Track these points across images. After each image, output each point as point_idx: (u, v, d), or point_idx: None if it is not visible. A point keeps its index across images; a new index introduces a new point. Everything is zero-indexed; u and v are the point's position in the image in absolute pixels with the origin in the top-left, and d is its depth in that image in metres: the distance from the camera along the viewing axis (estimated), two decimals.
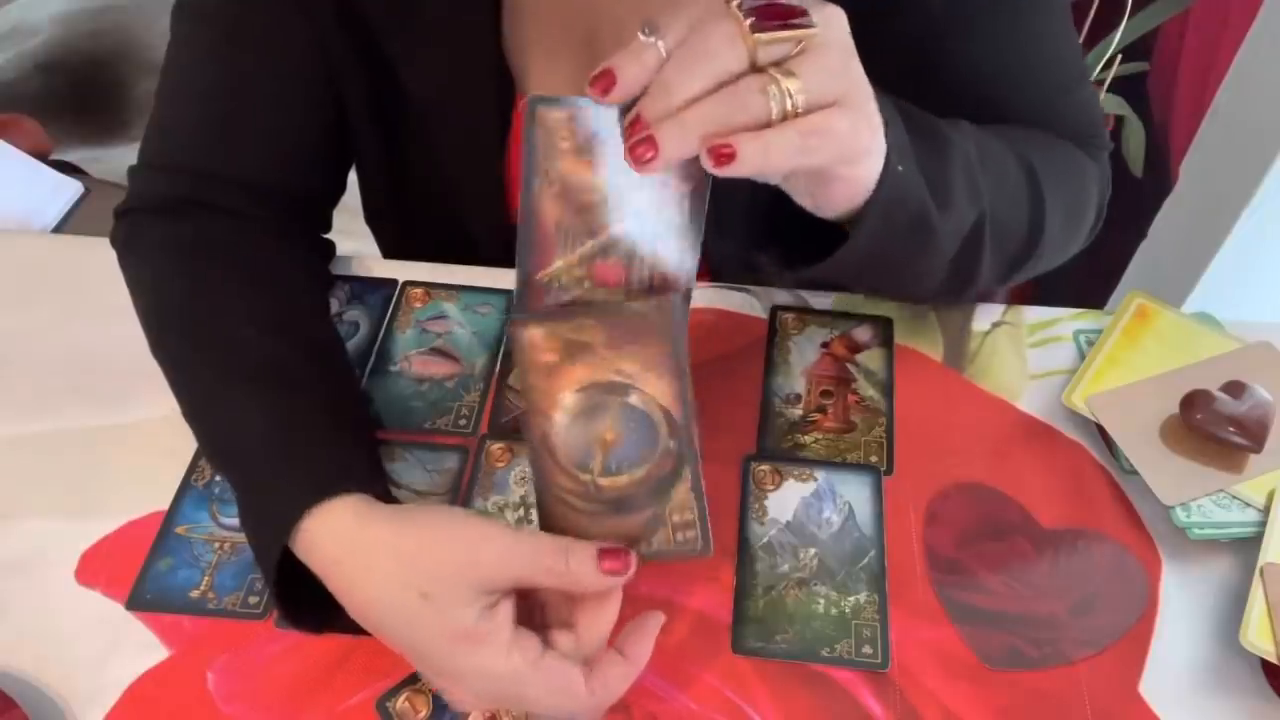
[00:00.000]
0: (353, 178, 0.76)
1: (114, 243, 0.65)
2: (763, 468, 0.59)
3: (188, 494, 0.59)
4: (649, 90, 0.40)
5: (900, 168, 0.46)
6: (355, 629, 0.47)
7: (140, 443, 0.62)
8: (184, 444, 0.61)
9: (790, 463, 0.59)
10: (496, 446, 0.61)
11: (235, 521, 0.58)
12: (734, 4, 0.40)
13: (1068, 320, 0.68)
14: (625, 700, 0.50)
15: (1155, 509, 0.57)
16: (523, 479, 0.59)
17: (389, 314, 0.68)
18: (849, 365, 0.65)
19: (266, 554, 0.47)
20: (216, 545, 0.57)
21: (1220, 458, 0.58)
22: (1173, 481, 0.57)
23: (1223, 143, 1.15)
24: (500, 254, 0.74)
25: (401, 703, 0.50)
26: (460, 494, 0.59)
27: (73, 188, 0.99)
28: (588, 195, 0.44)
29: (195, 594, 0.55)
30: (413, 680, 0.51)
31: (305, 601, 0.48)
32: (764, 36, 0.39)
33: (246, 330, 0.56)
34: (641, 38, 0.40)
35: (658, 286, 0.45)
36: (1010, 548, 0.56)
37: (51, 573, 0.56)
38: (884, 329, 0.67)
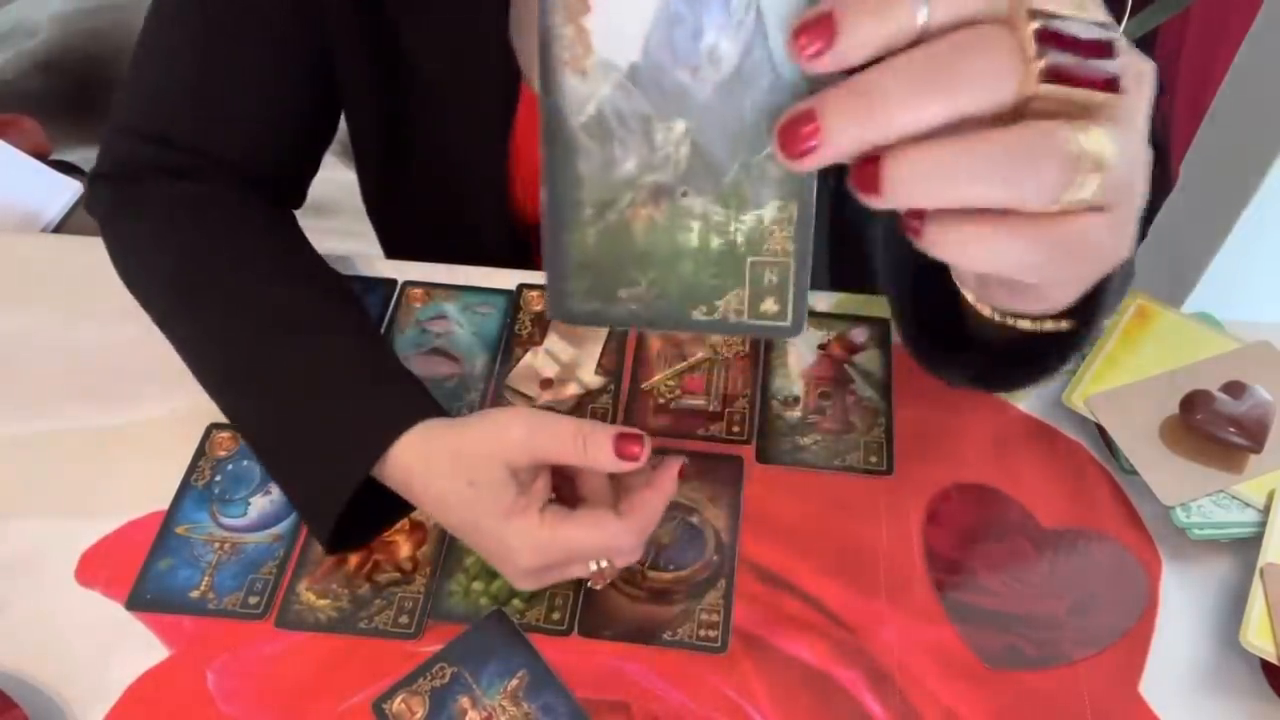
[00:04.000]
0: (352, 176, 0.76)
1: (93, 209, 0.65)
2: None
3: (188, 494, 0.59)
4: (886, 71, 0.27)
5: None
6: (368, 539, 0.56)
7: (140, 443, 0.61)
8: (184, 444, 0.61)
9: None
10: None
11: (235, 521, 0.58)
12: (1024, 17, 0.27)
13: None
14: (625, 700, 0.50)
15: (1155, 509, 0.57)
16: None
17: (389, 314, 0.68)
18: (846, 366, 0.65)
19: (343, 483, 0.51)
20: (216, 545, 0.57)
21: (1220, 458, 0.58)
22: (1173, 481, 0.57)
23: (1223, 143, 1.15)
24: (502, 243, 0.74)
25: (398, 704, 0.50)
26: None
27: (73, 188, 0.99)
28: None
29: (195, 594, 0.55)
30: (409, 681, 0.51)
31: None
32: (1051, 89, 0.27)
33: (278, 284, 0.59)
34: None
35: (729, 395, 0.59)
36: (1010, 548, 0.56)
37: (51, 573, 0.56)
38: (880, 330, 0.67)
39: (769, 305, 0.32)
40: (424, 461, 0.50)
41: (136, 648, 0.53)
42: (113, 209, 0.64)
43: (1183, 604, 0.54)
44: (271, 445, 0.55)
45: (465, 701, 0.50)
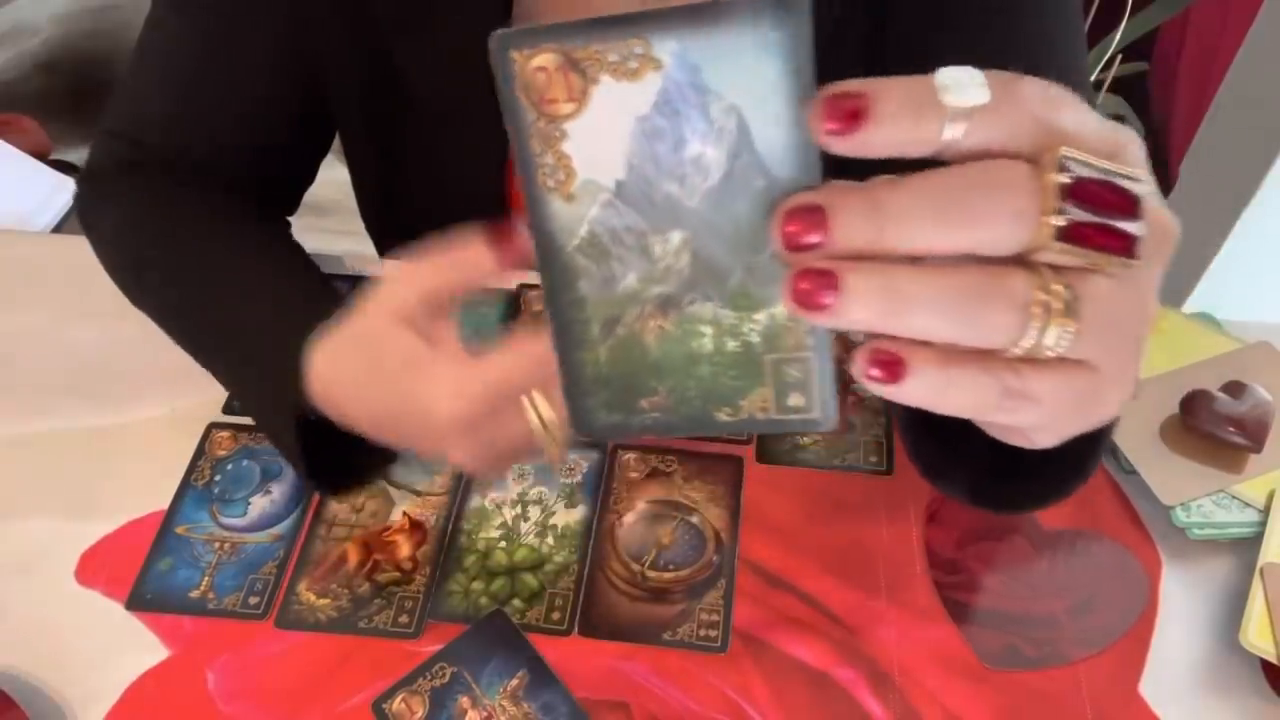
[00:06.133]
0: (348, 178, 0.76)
1: (78, 202, 0.65)
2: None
3: (188, 494, 0.59)
4: (906, 191, 0.26)
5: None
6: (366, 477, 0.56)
7: (140, 443, 0.62)
8: (184, 444, 0.61)
9: None
10: None
11: (235, 521, 0.58)
12: (1058, 156, 0.26)
13: None
14: (625, 700, 0.50)
15: (1155, 509, 0.57)
16: (521, 476, 0.60)
17: None
18: (846, 366, 0.65)
19: (287, 415, 0.48)
20: (216, 545, 0.57)
21: (1220, 458, 0.58)
22: (1173, 481, 0.57)
23: (1222, 143, 1.15)
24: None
25: (398, 704, 0.50)
26: (460, 492, 0.59)
27: (72, 188, 0.98)
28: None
29: (195, 594, 0.55)
30: (409, 681, 0.51)
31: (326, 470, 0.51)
32: (1064, 248, 0.26)
33: (225, 250, 0.59)
34: (940, 81, 0.26)
35: None
36: (1010, 548, 0.56)
37: (51, 573, 0.56)
38: None
39: (795, 400, 0.32)
40: (332, 363, 0.47)
41: (136, 648, 0.53)
42: (90, 202, 0.65)
43: (1183, 604, 0.54)
44: (243, 401, 0.56)
45: (465, 701, 0.50)
